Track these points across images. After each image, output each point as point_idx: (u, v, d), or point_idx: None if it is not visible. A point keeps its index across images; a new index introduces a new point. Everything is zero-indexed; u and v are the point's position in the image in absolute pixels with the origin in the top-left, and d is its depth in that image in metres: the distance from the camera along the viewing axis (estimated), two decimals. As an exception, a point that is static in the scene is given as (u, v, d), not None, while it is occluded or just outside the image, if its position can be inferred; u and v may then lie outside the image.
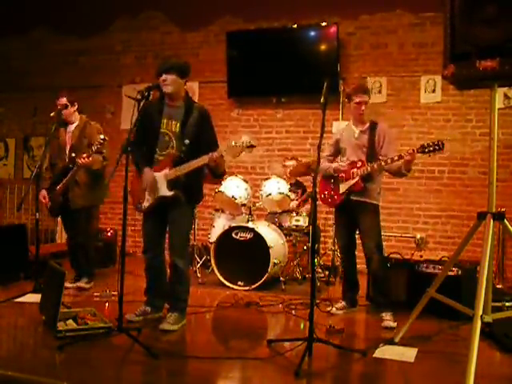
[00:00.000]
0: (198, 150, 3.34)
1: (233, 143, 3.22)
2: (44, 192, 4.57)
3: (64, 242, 6.36)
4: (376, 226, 3.89)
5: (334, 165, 4.00)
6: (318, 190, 4.15)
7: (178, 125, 3.44)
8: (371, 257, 3.85)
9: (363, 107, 3.88)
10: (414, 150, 3.57)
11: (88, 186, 4.55)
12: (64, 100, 4.54)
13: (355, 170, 3.86)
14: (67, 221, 4.77)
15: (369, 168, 3.80)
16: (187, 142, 3.39)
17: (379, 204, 3.95)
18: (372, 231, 3.87)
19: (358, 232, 4.06)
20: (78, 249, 4.67)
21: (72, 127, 4.63)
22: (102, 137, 4.29)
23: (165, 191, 3.41)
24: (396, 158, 3.67)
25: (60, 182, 4.52)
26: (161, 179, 3.41)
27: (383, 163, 3.73)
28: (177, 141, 3.43)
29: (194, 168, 3.33)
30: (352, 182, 3.86)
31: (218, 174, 3.51)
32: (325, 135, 3.16)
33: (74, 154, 4.47)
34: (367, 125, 3.96)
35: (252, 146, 3.22)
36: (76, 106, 4.65)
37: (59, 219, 6.60)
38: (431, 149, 3.51)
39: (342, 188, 3.93)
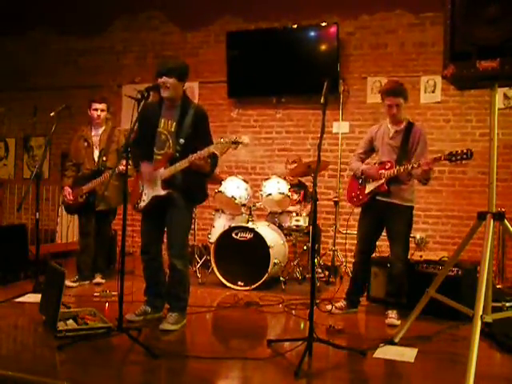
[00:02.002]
0: (193, 150, 3.33)
1: (221, 140, 3.23)
2: (69, 189, 4.70)
3: (64, 242, 6.39)
4: (403, 229, 3.78)
5: (363, 166, 3.92)
6: (346, 189, 4.15)
7: (175, 124, 3.44)
8: (395, 261, 3.78)
9: (394, 110, 3.76)
10: (440, 157, 3.44)
11: (116, 187, 4.66)
12: (105, 106, 4.76)
13: (383, 171, 3.78)
14: (88, 220, 4.79)
15: (395, 171, 3.70)
16: (182, 141, 3.39)
17: (411, 205, 3.82)
18: (398, 235, 3.78)
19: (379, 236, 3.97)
20: (104, 247, 4.93)
21: (100, 131, 4.79)
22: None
23: (159, 190, 3.41)
24: (416, 165, 3.59)
25: (86, 182, 4.63)
26: (156, 178, 3.42)
27: (408, 167, 3.63)
28: (173, 140, 3.43)
29: (180, 169, 3.32)
30: (379, 183, 3.79)
31: (203, 173, 3.47)
32: (325, 135, 3.15)
33: (104, 158, 4.68)
34: (403, 125, 3.84)
35: (237, 143, 3.19)
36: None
37: (59, 220, 6.64)
38: (458, 157, 3.37)
39: (368, 188, 3.86)
